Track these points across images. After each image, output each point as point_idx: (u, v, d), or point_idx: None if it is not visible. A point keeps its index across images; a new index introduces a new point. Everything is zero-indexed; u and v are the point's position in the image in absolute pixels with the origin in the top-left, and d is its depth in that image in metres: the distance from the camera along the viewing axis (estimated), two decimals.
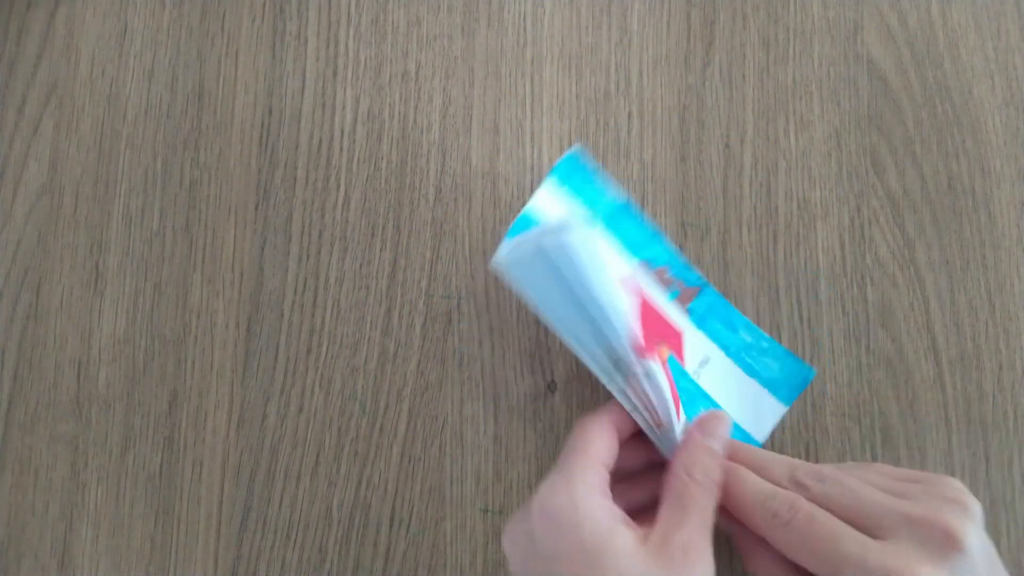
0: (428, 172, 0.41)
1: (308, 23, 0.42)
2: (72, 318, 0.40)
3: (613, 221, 0.38)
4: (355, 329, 0.40)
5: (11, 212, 0.41)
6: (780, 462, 0.33)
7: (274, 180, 0.41)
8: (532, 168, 0.41)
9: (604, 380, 0.34)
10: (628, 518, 0.31)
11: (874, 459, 0.38)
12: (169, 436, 0.39)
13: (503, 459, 0.38)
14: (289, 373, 0.39)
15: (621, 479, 0.34)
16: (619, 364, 0.33)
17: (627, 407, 0.34)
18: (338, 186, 0.41)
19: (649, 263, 0.39)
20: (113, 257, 0.41)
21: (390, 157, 0.41)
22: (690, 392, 0.37)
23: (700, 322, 0.39)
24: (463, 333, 0.39)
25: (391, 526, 0.38)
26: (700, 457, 0.32)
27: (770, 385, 0.38)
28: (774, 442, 0.38)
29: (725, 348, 0.38)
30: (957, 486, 0.31)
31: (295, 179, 0.41)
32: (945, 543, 0.29)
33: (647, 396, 0.33)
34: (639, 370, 0.32)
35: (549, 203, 0.37)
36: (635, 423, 0.34)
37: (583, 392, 0.39)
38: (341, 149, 0.41)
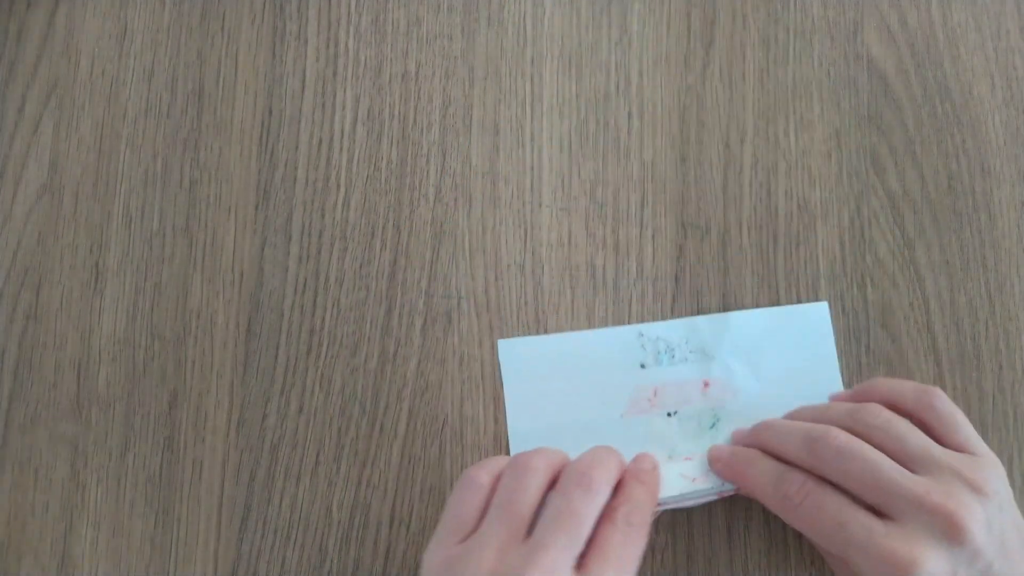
0: (428, 172, 0.41)
1: (308, 23, 0.42)
2: (72, 318, 0.40)
3: None
4: (355, 329, 0.40)
5: (11, 212, 0.41)
6: (797, 435, 0.34)
7: (274, 180, 0.41)
8: (532, 168, 0.41)
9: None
10: None
11: None
12: (169, 436, 0.39)
13: None
14: (289, 373, 0.39)
15: None
16: None
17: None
18: (338, 186, 0.41)
19: None
20: (113, 257, 0.41)
21: (390, 157, 0.41)
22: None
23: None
24: (463, 333, 0.39)
25: (391, 526, 0.38)
26: (639, 504, 0.32)
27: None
28: None
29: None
30: (984, 473, 0.31)
31: (295, 179, 0.41)
32: (949, 531, 0.29)
33: None
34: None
35: None
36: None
37: None
38: (341, 149, 0.41)
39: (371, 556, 0.38)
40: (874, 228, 0.40)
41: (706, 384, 0.38)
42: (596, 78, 0.41)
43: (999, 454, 0.38)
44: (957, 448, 0.33)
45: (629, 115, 0.41)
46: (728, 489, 0.35)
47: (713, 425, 0.37)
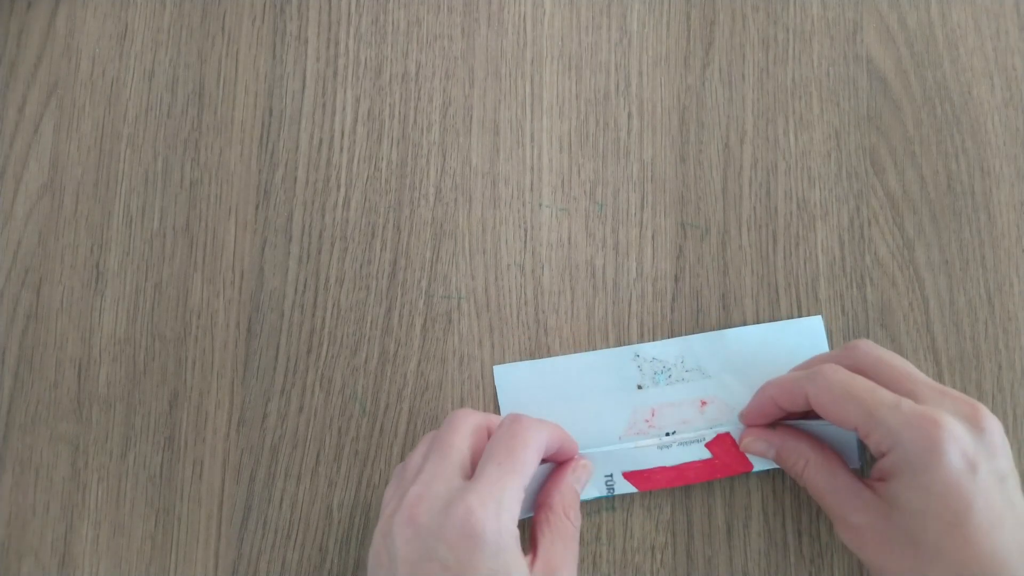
0: (428, 172, 0.41)
1: (308, 23, 0.42)
2: (72, 318, 0.40)
3: None
4: (355, 329, 0.40)
5: (11, 212, 0.41)
6: (802, 370, 0.35)
7: (274, 180, 0.41)
8: (532, 168, 0.41)
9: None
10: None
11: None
12: (169, 436, 0.39)
13: None
14: (289, 373, 0.39)
15: None
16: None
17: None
18: (338, 186, 0.41)
19: None
20: (113, 257, 0.41)
21: (390, 157, 0.41)
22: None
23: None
24: (463, 333, 0.39)
25: None
26: (574, 501, 0.35)
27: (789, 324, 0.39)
28: None
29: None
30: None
31: (295, 179, 0.41)
32: (972, 416, 0.31)
33: None
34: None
35: None
36: (563, 448, 0.35)
37: None
38: (341, 149, 0.41)
39: None
40: (873, 228, 0.40)
41: (703, 403, 0.38)
42: (596, 78, 0.41)
43: None
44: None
45: (629, 115, 0.41)
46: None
47: None
